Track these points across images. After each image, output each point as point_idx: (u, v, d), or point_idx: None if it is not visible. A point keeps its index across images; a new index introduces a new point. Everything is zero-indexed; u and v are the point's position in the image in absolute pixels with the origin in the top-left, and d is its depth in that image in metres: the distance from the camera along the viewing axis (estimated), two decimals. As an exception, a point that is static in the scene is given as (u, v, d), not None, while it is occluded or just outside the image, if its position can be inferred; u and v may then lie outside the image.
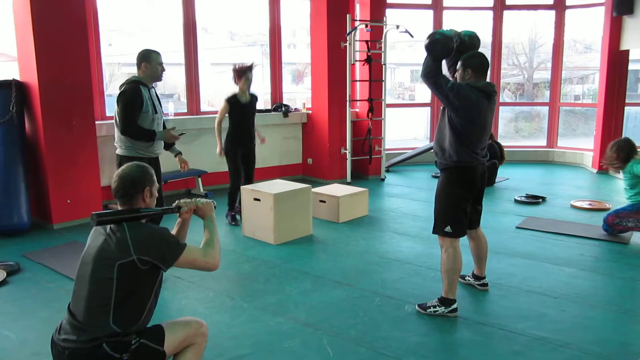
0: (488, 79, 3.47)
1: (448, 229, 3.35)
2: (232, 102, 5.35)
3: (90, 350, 2.04)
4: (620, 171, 5.02)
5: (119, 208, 2.25)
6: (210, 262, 2.32)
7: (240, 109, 5.38)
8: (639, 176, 4.82)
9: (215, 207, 2.54)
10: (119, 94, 3.90)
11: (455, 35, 3.30)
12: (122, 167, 2.31)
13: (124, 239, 2.09)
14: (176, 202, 2.45)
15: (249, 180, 5.59)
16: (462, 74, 3.34)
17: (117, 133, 3.97)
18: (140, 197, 2.26)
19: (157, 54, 3.98)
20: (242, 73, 5.31)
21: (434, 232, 3.46)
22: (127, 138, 3.91)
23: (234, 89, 5.42)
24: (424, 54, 3.27)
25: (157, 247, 2.14)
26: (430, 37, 3.21)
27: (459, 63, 3.36)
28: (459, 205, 3.37)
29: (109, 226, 2.16)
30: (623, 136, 5.12)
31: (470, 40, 3.44)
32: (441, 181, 3.45)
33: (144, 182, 2.27)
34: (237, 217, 5.55)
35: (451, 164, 3.34)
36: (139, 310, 2.15)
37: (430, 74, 3.21)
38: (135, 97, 3.85)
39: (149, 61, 3.93)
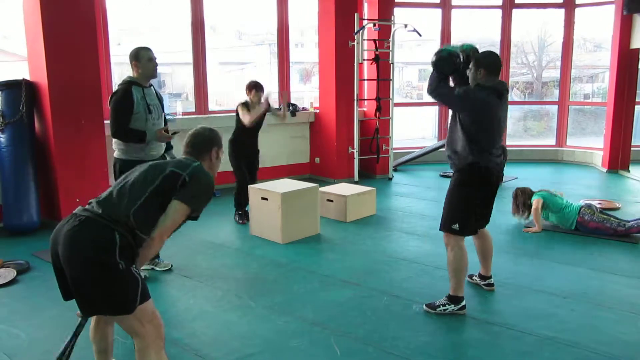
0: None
1: (456, 226, 3.34)
2: (246, 108, 5.37)
3: (103, 226, 2.12)
4: (530, 215, 5.30)
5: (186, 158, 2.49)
6: (164, 237, 2.33)
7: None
8: (541, 197, 5.17)
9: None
10: (110, 96, 3.88)
11: (459, 50, 3.32)
12: (197, 127, 2.58)
13: (188, 164, 2.37)
14: None
15: (253, 181, 5.60)
16: (474, 73, 3.33)
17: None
18: (208, 155, 2.50)
19: (146, 50, 3.87)
20: (252, 87, 5.38)
21: (441, 228, 3.45)
22: (118, 140, 3.87)
23: (245, 98, 5.48)
24: (431, 68, 3.30)
25: (200, 187, 2.34)
26: (437, 54, 3.25)
27: (472, 62, 3.35)
28: (470, 205, 3.36)
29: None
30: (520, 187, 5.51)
31: (474, 55, 3.42)
32: (454, 180, 3.43)
33: (213, 142, 2.52)
34: (244, 217, 5.57)
35: (465, 166, 3.32)
36: (154, 222, 2.24)
37: (437, 89, 3.27)
38: (124, 99, 3.77)
39: (138, 59, 3.83)
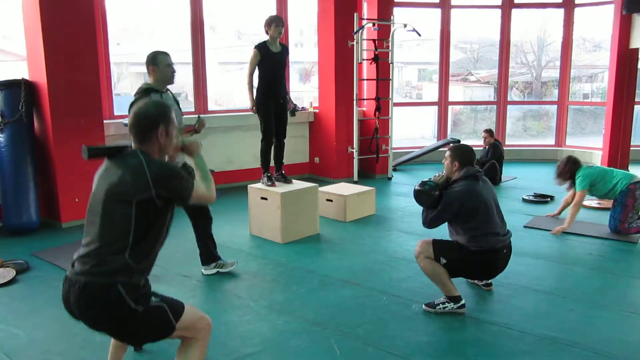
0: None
1: (443, 261, 3.38)
2: (263, 50, 4.95)
3: (102, 286, 2.03)
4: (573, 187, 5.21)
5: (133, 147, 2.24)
6: (212, 194, 2.39)
7: (271, 58, 4.98)
8: (588, 183, 5.00)
9: (201, 147, 2.52)
10: (129, 105, 3.68)
11: (440, 181, 3.48)
12: (139, 103, 2.30)
13: (142, 175, 2.07)
14: None
15: (280, 139, 5.23)
16: (449, 164, 3.48)
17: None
18: (155, 135, 2.19)
19: (165, 55, 3.75)
20: (271, 21, 4.98)
21: (435, 255, 3.40)
22: None
23: (263, 38, 5.10)
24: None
25: (174, 183, 2.15)
26: (421, 185, 3.43)
27: (448, 153, 3.51)
28: (465, 266, 3.42)
29: (123, 163, 2.14)
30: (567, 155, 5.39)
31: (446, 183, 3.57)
32: (461, 250, 3.43)
33: (158, 119, 2.20)
34: (273, 178, 5.17)
35: (471, 249, 3.37)
36: (153, 243, 2.17)
37: (430, 222, 3.45)
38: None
39: (157, 64, 3.70)
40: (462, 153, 3.47)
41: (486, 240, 3.34)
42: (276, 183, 5.14)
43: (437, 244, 3.42)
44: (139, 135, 2.20)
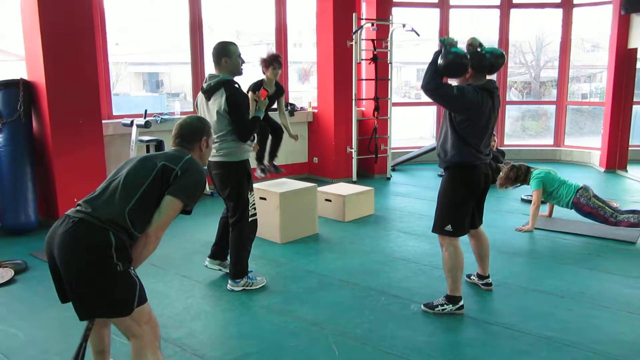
0: (494, 78, 3.45)
1: (449, 227, 3.35)
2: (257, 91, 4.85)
3: (97, 227, 2.09)
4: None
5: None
6: (159, 235, 2.26)
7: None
8: (543, 189, 5.13)
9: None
10: (230, 99, 3.57)
11: (465, 49, 3.29)
12: (184, 117, 2.58)
13: (179, 158, 2.32)
14: None
15: (276, 135, 5.42)
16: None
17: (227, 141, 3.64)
18: (198, 145, 2.49)
19: (235, 45, 3.65)
20: (270, 62, 4.94)
21: (434, 230, 3.47)
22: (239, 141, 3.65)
23: (260, 76, 5.07)
24: (426, 67, 3.22)
25: (188, 184, 2.28)
26: (444, 59, 3.13)
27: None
28: (462, 205, 3.37)
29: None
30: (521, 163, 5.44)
31: (493, 59, 3.34)
32: (445, 179, 3.44)
33: (203, 132, 2.51)
34: (266, 169, 5.52)
35: (454, 165, 3.33)
36: (149, 214, 2.22)
37: (435, 86, 3.17)
38: (245, 98, 3.66)
39: (229, 55, 3.61)
40: (475, 59, 3.26)
41: (469, 155, 3.27)
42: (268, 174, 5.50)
43: (436, 221, 3.44)
44: (184, 143, 2.47)
